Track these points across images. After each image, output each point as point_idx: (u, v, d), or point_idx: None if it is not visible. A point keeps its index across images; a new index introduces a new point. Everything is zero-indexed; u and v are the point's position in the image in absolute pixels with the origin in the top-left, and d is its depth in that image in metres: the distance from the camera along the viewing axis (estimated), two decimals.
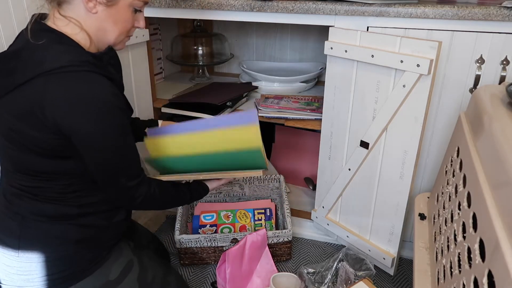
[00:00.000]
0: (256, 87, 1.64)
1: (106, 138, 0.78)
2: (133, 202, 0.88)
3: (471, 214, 0.66)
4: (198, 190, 1.06)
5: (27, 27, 0.79)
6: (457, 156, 0.88)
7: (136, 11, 0.86)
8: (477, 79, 1.07)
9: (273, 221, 1.48)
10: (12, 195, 0.86)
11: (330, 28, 1.17)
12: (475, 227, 0.64)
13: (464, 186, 0.76)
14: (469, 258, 0.62)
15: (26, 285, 0.85)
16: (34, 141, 0.77)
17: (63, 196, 0.85)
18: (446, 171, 0.96)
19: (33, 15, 0.82)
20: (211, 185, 1.09)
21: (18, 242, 0.84)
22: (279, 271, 1.31)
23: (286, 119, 1.40)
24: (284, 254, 1.39)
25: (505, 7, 0.98)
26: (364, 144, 1.20)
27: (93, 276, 0.89)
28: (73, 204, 0.86)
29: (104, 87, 0.76)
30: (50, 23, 0.80)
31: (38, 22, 0.80)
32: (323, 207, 1.43)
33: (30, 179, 0.83)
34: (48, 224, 0.85)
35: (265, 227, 1.45)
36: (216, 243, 1.32)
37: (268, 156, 1.86)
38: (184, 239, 1.30)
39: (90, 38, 0.82)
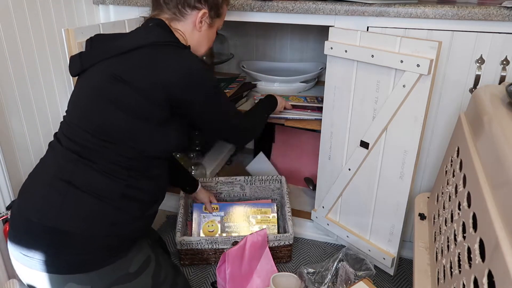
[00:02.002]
0: (255, 85, 1.64)
1: (216, 97, 0.97)
2: (247, 134, 1.16)
3: (471, 214, 0.66)
4: (271, 102, 1.32)
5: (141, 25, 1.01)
6: (457, 156, 0.88)
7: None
8: (477, 79, 1.07)
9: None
10: (67, 161, 0.88)
11: (330, 28, 1.17)
12: (475, 227, 0.64)
13: (464, 186, 0.76)
14: (469, 258, 0.62)
15: (52, 260, 0.84)
16: (130, 101, 0.86)
17: (118, 170, 0.88)
18: (446, 171, 0.96)
19: (147, 18, 1.02)
20: (278, 98, 1.36)
21: (57, 215, 0.84)
22: (279, 271, 1.31)
23: (286, 119, 1.40)
24: (284, 256, 1.39)
25: (505, 7, 0.98)
26: (364, 144, 1.20)
27: (114, 266, 0.89)
28: (122, 182, 0.89)
29: (200, 61, 0.95)
30: None
31: (150, 17, 1.00)
32: (323, 207, 1.43)
33: (98, 141, 0.87)
34: (92, 199, 0.86)
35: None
36: (217, 246, 1.32)
37: (268, 156, 1.86)
38: (185, 241, 1.30)
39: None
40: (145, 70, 0.87)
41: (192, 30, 1.00)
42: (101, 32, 1.15)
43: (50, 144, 0.95)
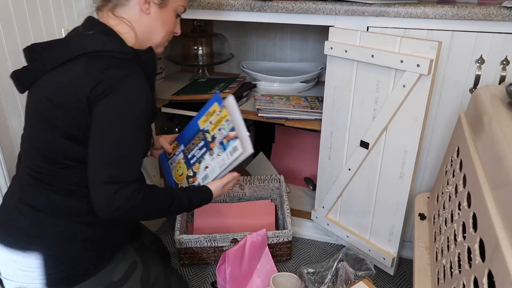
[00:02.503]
0: (255, 85, 1.64)
1: (120, 125, 0.79)
2: (111, 204, 0.78)
3: (471, 214, 0.66)
4: (198, 194, 0.98)
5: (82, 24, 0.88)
6: (457, 156, 0.88)
7: (177, 16, 0.95)
8: (477, 79, 1.07)
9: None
10: (27, 185, 0.87)
11: (330, 28, 1.17)
12: (475, 227, 0.64)
13: (464, 186, 0.76)
14: (469, 258, 0.62)
15: (30, 281, 0.85)
16: (64, 120, 0.80)
17: (76, 190, 0.86)
18: (446, 171, 0.96)
19: (87, 17, 0.90)
20: (213, 186, 1.01)
21: (27, 238, 0.84)
22: (279, 271, 1.31)
23: (286, 119, 1.40)
24: (284, 254, 1.39)
25: (505, 7, 0.98)
26: (364, 144, 1.20)
27: (96, 277, 0.89)
28: (84, 199, 0.87)
29: (138, 79, 0.81)
30: (103, 21, 0.87)
31: (91, 18, 0.88)
32: (323, 207, 1.43)
33: (49, 165, 0.84)
34: (58, 221, 0.85)
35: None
36: (216, 243, 1.32)
37: (268, 156, 1.86)
38: (184, 239, 1.31)
39: (136, 38, 0.88)
40: (74, 86, 0.78)
41: (139, 14, 0.87)
42: None
43: (16, 165, 0.93)
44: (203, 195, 0.99)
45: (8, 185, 1.11)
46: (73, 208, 0.86)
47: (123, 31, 0.86)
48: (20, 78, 0.86)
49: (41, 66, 0.83)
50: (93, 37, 0.83)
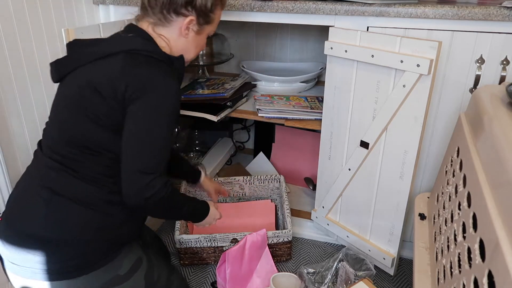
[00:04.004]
0: (255, 85, 1.64)
1: (155, 120, 0.84)
2: (143, 193, 0.84)
3: (471, 214, 0.66)
4: (200, 206, 1.09)
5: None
6: (457, 156, 0.88)
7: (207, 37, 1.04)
8: (477, 79, 1.07)
9: None
10: (49, 169, 0.87)
11: (330, 28, 1.17)
12: (475, 227, 0.64)
13: (464, 186, 0.76)
14: (469, 258, 0.62)
15: (40, 268, 0.85)
16: (100, 108, 0.84)
17: (101, 178, 0.88)
18: (446, 171, 0.96)
19: (128, 24, 0.97)
20: (212, 208, 1.13)
21: (42, 223, 0.85)
22: (279, 271, 1.31)
23: (286, 119, 1.40)
24: (284, 254, 1.39)
25: (505, 7, 0.98)
26: (364, 144, 1.20)
27: (104, 269, 0.89)
28: (106, 189, 0.88)
29: (173, 80, 0.87)
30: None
31: (132, 25, 0.95)
32: (323, 207, 1.43)
33: (77, 152, 0.86)
34: (74, 207, 0.86)
35: None
36: (216, 243, 1.32)
37: (268, 156, 1.86)
38: (184, 239, 1.31)
39: (171, 52, 0.96)
40: (112, 78, 0.83)
41: (178, 37, 0.95)
42: (101, 33, 1.15)
43: (35, 152, 0.94)
44: (201, 211, 1.10)
45: (9, 184, 1.11)
46: (94, 196, 0.87)
47: (160, 45, 0.93)
48: (58, 67, 0.90)
49: (83, 56, 0.88)
50: (132, 38, 0.90)
